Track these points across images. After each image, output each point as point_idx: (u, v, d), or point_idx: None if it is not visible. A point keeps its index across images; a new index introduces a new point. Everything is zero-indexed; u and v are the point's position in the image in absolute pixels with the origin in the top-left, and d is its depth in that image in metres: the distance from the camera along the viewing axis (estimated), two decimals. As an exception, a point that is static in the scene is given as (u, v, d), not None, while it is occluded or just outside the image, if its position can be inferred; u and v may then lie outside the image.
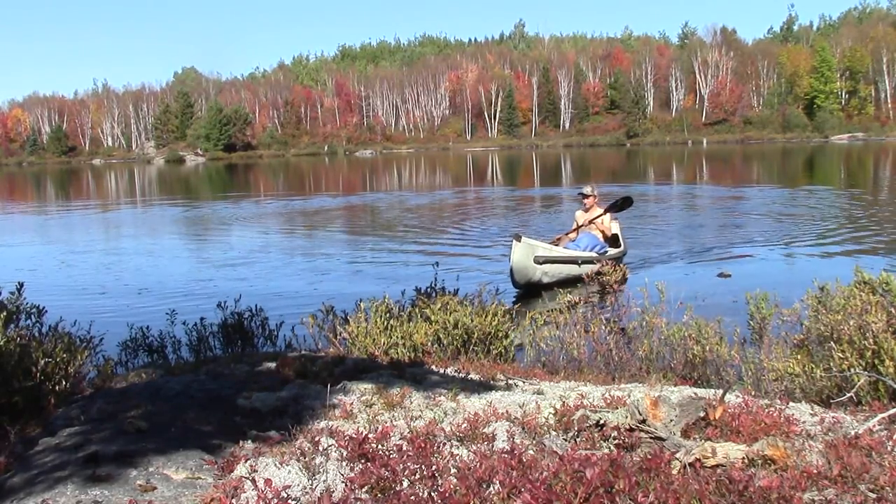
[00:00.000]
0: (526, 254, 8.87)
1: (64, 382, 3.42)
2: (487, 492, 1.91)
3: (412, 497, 1.91)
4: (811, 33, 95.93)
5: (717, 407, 2.57)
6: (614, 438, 2.39)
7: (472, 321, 4.78)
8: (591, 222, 10.20)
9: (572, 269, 9.32)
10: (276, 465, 2.20)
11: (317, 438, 2.33)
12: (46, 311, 3.98)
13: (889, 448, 2.24)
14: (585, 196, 10.43)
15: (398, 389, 3.26)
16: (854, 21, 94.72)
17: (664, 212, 18.73)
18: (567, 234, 10.41)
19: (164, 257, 13.41)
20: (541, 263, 8.97)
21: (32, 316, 3.86)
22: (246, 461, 2.25)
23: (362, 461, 2.18)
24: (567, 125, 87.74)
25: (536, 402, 2.99)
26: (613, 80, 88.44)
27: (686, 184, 29.74)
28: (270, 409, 3.23)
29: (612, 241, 10.46)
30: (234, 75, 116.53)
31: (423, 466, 2.09)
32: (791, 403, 3.01)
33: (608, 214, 10.35)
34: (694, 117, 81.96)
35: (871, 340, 3.43)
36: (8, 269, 11.46)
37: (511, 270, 8.91)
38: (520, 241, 8.86)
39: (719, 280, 9.35)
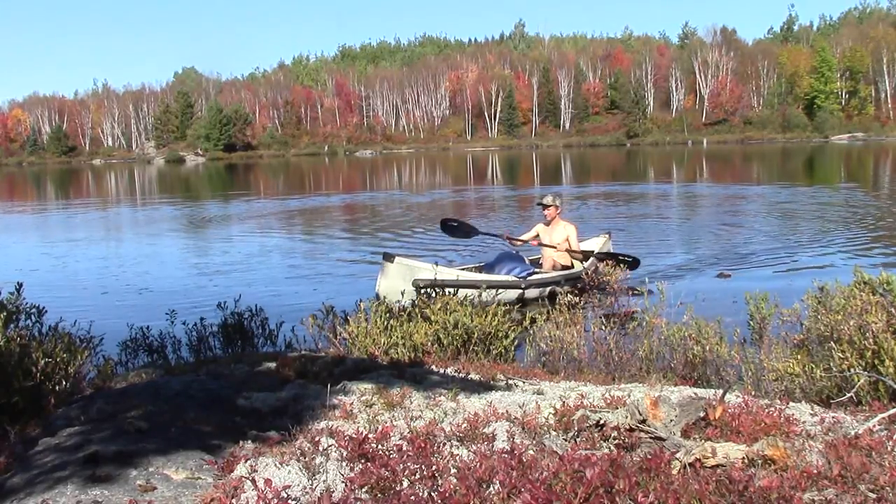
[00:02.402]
0: (400, 277, 7.34)
1: (64, 382, 3.41)
2: (487, 492, 1.91)
3: (412, 497, 1.91)
4: (811, 33, 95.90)
5: (717, 407, 2.57)
6: (614, 438, 2.39)
7: (472, 321, 4.78)
8: (555, 246, 8.86)
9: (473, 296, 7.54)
10: (276, 465, 2.20)
11: (317, 438, 2.33)
12: (46, 311, 3.97)
13: (889, 448, 2.24)
14: (545, 206, 9.01)
15: (398, 389, 3.25)
16: (854, 21, 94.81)
17: (664, 212, 18.75)
18: (515, 239, 9.15)
19: (164, 257, 13.40)
20: (421, 288, 7.11)
21: (32, 316, 3.85)
22: (246, 461, 2.25)
23: (362, 461, 2.18)
24: (567, 125, 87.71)
25: (536, 402, 2.99)
26: (613, 81, 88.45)
27: (686, 184, 29.75)
28: (270, 409, 3.22)
29: (584, 256, 9.06)
30: (234, 75, 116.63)
31: (423, 466, 2.09)
32: (791, 403, 3.01)
33: (574, 230, 9.02)
34: (694, 117, 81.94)
35: (871, 340, 3.43)
36: (8, 269, 11.46)
37: (377, 297, 6.58)
38: (392, 262, 7.42)
39: (719, 280, 9.34)
